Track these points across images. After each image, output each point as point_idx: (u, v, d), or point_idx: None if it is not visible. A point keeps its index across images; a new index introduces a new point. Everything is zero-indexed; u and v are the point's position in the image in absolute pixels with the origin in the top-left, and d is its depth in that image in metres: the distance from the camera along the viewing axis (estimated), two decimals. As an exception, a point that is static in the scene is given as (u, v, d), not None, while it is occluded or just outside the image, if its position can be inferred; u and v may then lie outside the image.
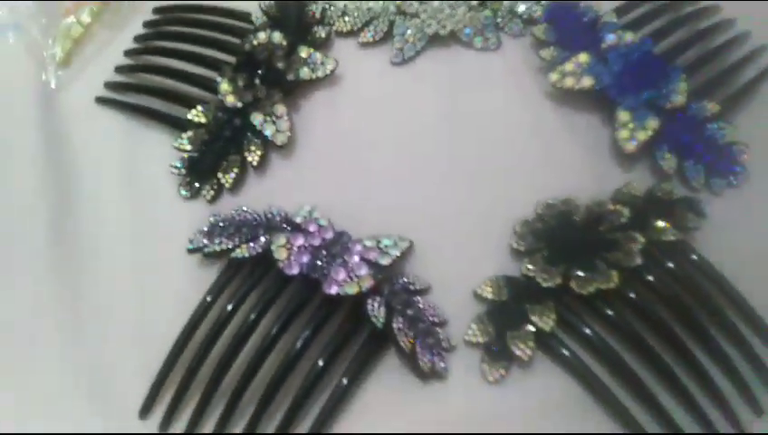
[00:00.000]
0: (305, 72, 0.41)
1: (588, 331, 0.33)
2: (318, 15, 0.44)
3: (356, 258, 0.35)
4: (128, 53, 0.45)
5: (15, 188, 0.41)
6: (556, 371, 0.34)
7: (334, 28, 0.44)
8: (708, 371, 0.32)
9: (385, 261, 0.35)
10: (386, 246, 0.36)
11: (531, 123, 0.40)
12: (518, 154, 0.39)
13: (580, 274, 0.33)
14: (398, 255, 0.36)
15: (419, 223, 0.38)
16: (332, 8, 0.44)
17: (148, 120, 0.42)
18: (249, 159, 0.40)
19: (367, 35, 0.43)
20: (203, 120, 0.40)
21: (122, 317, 0.37)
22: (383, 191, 0.39)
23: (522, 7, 0.43)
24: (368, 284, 0.34)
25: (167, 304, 0.37)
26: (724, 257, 0.35)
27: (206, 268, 0.37)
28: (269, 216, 0.37)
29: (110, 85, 0.44)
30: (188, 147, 0.40)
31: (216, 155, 0.40)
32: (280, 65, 0.41)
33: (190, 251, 0.37)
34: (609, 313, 0.33)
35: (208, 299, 0.35)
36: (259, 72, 0.41)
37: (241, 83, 0.40)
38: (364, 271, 0.34)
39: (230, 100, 0.40)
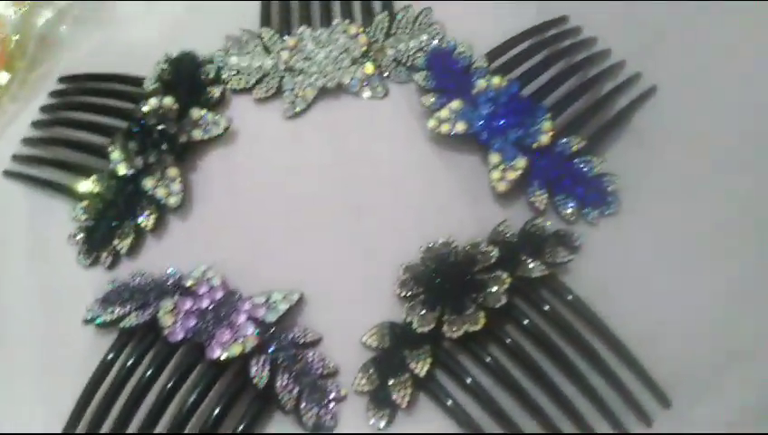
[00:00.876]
0: (197, 134, 0.42)
1: (462, 374, 0.34)
2: (212, 76, 0.45)
3: (243, 317, 0.36)
4: (35, 125, 0.47)
5: None
6: (439, 414, 0.34)
7: (228, 86, 0.45)
8: (577, 407, 0.33)
9: (272, 317, 0.36)
10: (275, 302, 0.37)
11: (417, 167, 0.41)
12: (404, 199, 0.40)
13: (452, 317, 0.34)
14: (287, 309, 0.37)
15: (313, 274, 0.39)
16: (226, 67, 0.46)
17: (52, 192, 0.44)
18: (143, 223, 0.41)
19: (260, 92, 0.45)
20: (96, 189, 0.41)
21: (24, 390, 0.38)
22: (277, 244, 0.40)
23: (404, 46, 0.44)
24: (252, 343, 0.35)
25: (69, 377, 0.37)
26: (600, 286, 0.36)
27: (108, 336, 0.38)
28: (162, 280, 0.38)
29: (17, 158, 0.45)
30: (83, 217, 0.41)
31: (112, 222, 0.41)
32: (171, 129, 0.42)
33: (86, 322, 0.38)
34: (481, 354, 0.34)
35: (98, 373, 0.36)
36: (151, 136, 0.42)
37: (133, 149, 0.41)
38: (250, 330, 0.35)
39: (121, 168, 0.41)
